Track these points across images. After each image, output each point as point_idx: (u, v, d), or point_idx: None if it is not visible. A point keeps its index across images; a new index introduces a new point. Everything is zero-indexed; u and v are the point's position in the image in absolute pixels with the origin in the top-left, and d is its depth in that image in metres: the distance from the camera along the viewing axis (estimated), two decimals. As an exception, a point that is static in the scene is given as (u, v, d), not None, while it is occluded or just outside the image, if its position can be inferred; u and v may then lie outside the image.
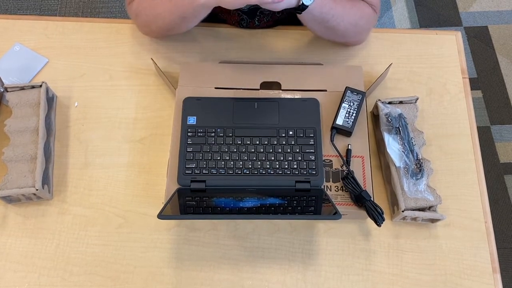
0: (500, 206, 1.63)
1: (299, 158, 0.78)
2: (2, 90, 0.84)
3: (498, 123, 1.76)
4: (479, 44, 1.90)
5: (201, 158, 0.78)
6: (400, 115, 0.82)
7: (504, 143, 1.73)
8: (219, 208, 0.70)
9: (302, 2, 0.75)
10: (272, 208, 0.70)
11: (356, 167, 0.79)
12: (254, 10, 0.93)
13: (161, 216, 0.62)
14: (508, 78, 1.84)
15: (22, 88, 0.85)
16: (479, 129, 0.89)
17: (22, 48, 0.93)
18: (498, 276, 0.78)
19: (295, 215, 0.69)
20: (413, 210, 0.77)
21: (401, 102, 0.85)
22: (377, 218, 0.74)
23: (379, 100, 0.84)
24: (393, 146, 0.80)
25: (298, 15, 0.79)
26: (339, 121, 0.81)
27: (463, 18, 1.96)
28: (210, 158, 0.78)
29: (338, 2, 0.82)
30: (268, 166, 0.77)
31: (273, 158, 0.78)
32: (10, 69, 0.90)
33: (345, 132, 0.81)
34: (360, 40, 0.93)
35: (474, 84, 1.83)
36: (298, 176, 0.77)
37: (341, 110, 0.82)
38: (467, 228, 0.81)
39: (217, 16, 0.98)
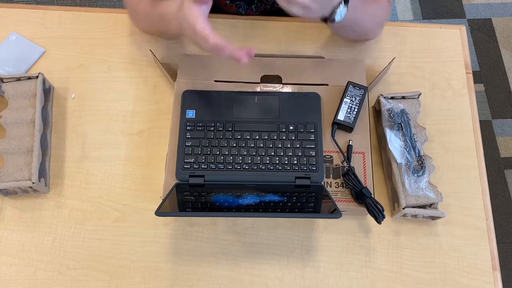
0: (499, 200, 1.62)
1: (299, 154, 0.77)
2: (-3, 80, 0.83)
3: (500, 117, 1.75)
4: (482, 36, 1.88)
5: (200, 152, 0.77)
6: (402, 111, 0.81)
7: (505, 138, 1.72)
8: (217, 204, 0.69)
9: (334, 18, 0.74)
10: (272, 205, 0.69)
11: (357, 163, 0.78)
12: None
13: (159, 213, 0.61)
14: (510, 71, 1.82)
15: (18, 79, 0.83)
16: (480, 123, 0.87)
17: (19, 37, 0.91)
18: (498, 274, 0.77)
19: (295, 213, 0.69)
20: (414, 207, 0.76)
21: (403, 98, 0.84)
22: (378, 215, 0.73)
23: (381, 95, 0.83)
24: (395, 142, 0.79)
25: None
26: (341, 117, 0.80)
27: (466, 10, 1.94)
28: (209, 152, 0.77)
29: (369, 8, 0.81)
30: (267, 162, 0.76)
31: (273, 153, 0.77)
32: (6, 59, 0.89)
33: (347, 127, 0.80)
34: (378, 35, 0.92)
35: (476, 77, 1.81)
36: (298, 172, 0.76)
37: (343, 105, 0.80)
38: (467, 226, 0.80)
39: (216, 7, 0.96)
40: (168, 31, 0.80)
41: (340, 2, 0.72)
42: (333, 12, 0.73)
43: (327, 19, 0.75)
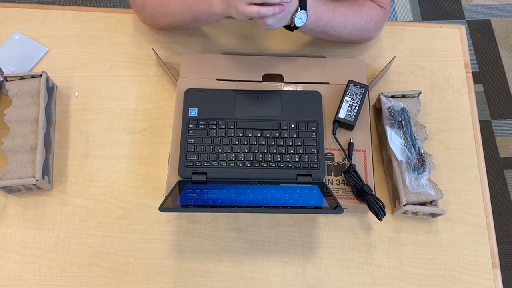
0: (499, 200, 1.63)
1: (301, 151, 0.78)
2: (1, 79, 0.83)
3: (499, 117, 1.76)
4: (481, 37, 1.89)
5: (202, 150, 0.77)
6: (403, 109, 0.81)
7: (505, 138, 1.72)
8: (220, 201, 0.69)
9: (294, 24, 0.75)
10: (274, 202, 0.69)
11: (358, 160, 0.79)
12: None
13: (163, 208, 0.62)
14: (510, 72, 1.83)
15: (22, 78, 0.84)
16: (480, 123, 0.88)
17: (22, 36, 0.92)
18: (498, 271, 0.78)
19: (297, 209, 0.69)
20: (414, 204, 0.77)
21: (404, 96, 0.85)
22: (379, 212, 0.73)
23: (382, 93, 0.84)
24: (395, 140, 0.79)
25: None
26: (342, 115, 0.80)
27: (465, 11, 1.95)
28: (211, 150, 0.77)
29: (338, 12, 0.81)
30: (269, 159, 0.77)
31: (274, 151, 0.78)
32: (9, 58, 0.89)
33: (348, 125, 0.80)
34: (370, 39, 0.92)
35: (476, 78, 1.82)
36: (300, 170, 0.77)
37: (344, 103, 0.81)
38: (467, 223, 0.80)
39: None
40: (203, 12, 0.78)
41: (297, 9, 0.74)
42: (292, 19, 0.75)
43: (290, 27, 0.77)
